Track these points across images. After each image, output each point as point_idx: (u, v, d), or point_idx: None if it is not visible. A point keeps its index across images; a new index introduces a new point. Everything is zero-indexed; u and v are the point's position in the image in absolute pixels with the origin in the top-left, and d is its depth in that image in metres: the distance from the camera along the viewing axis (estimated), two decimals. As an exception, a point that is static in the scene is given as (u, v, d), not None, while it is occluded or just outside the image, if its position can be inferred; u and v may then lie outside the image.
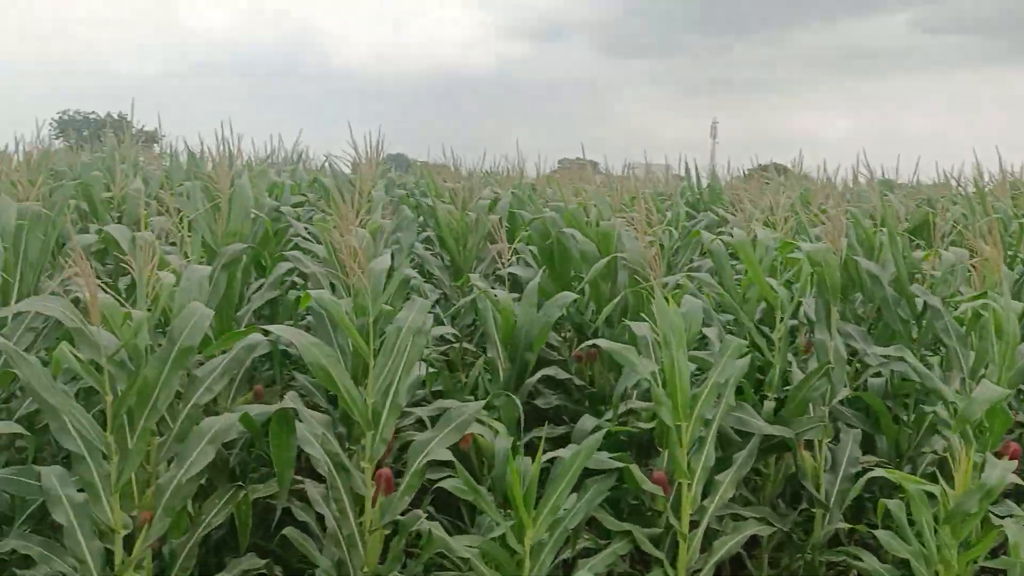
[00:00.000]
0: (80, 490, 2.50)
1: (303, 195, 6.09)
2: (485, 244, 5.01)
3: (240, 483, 3.09)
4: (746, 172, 9.52)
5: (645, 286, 3.49)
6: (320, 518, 3.14)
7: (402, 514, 2.75)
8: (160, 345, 2.55)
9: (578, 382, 3.88)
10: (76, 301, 3.01)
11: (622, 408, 3.27)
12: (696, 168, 8.02)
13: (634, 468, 2.89)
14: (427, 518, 2.83)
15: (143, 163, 6.77)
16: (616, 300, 3.62)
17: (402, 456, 3.44)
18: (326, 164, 6.71)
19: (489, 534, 2.86)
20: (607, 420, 3.30)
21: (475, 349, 4.54)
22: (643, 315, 3.13)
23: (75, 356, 2.37)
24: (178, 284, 2.70)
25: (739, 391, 3.32)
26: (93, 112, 34.31)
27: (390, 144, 5.48)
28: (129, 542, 2.53)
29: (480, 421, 3.03)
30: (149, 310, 2.57)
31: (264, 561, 2.96)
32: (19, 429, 2.84)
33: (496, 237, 4.40)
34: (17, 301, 3.32)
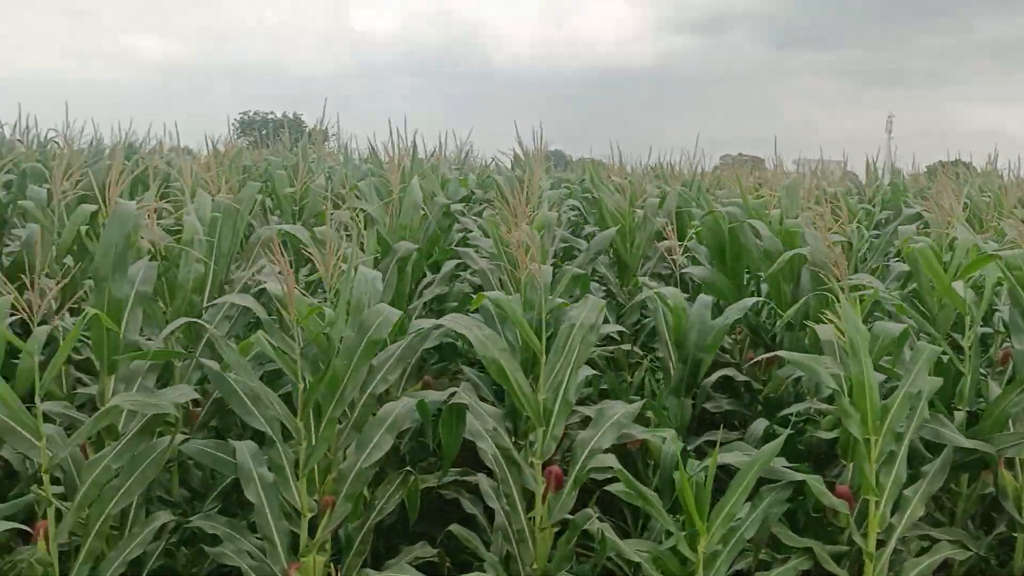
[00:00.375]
0: (270, 470, 2.62)
1: (471, 191, 6.19)
2: (653, 241, 4.93)
3: (409, 469, 3.16)
4: (926, 168, 8.94)
5: (827, 288, 3.32)
6: (488, 511, 3.17)
7: (571, 513, 2.73)
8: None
9: (755, 385, 3.74)
10: (261, 292, 3.18)
11: (800, 415, 3.11)
12: (874, 164, 7.60)
13: (815, 480, 2.74)
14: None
15: (323, 160, 7.07)
16: (799, 304, 3.45)
17: (565, 455, 3.43)
18: (492, 162, 6.82)
19: (658, 539, 2.79)
20: (782, 426, 3.16)
21: (640, 350, 4.47)
22: (826, 320, 2.96)
23: (271, 344, 2.48)
24: (356, 278, 2.77)
25: (929, 403, 3.10)
26: (271, 112, 36.27)
27: (549, 141, 5.49)
28: (311, 525, 2.62)
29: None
30: (330, 302, 2.66)
31: (435, 551, 3.01)
32: (195, 395, 2.99)
33: (666, 234, 4.30)
34: (211, 289, 3.53)
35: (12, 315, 2.67)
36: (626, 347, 4.39)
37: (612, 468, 2.99)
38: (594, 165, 7.22)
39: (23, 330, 3.78)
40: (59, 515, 2.58)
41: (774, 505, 2.70)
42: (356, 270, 2.70)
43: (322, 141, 8.30)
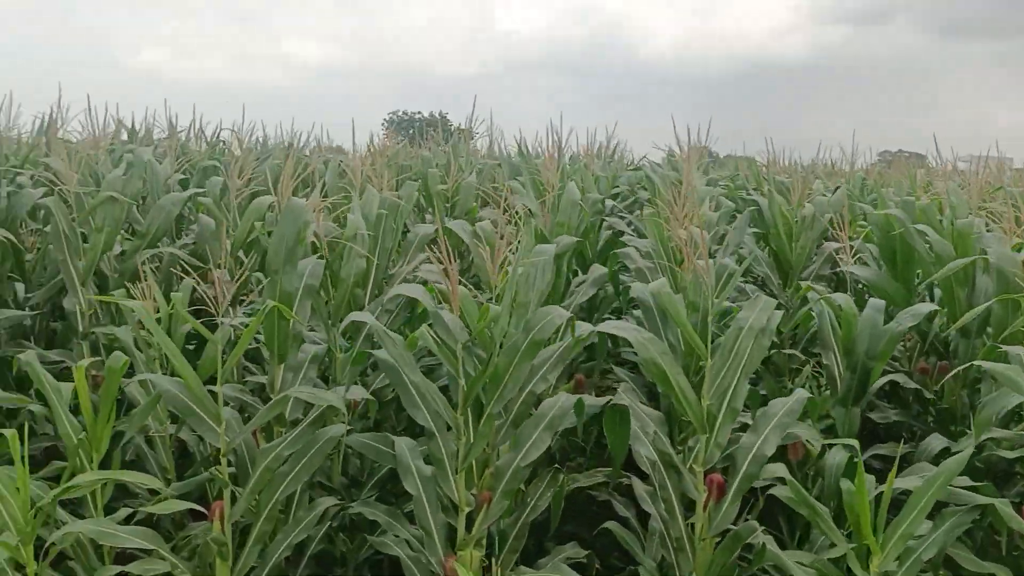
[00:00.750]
0: (428, 464, 2.67)
1: (621, 189, 6.13)
2: (818, 242, 4.73)
3: (558, 467, 3.15)
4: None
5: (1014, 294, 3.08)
6: (641, 516, 3.12)
7: (733, 522, 2.64)
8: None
9: (926, 395, 3.52)
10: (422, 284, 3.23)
11: (985, 435, 2.90)
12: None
13: (1003, 503, 2.54)
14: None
15: (472, 158, 7.17)
16: (978, 310, 3.22)
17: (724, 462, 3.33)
18: (644, 159, 6.73)
19: (823, 553, 2.67)
20: (965, 443, 2.95)
21: (800, 354, 4.29)
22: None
23: (435, 338, 2.53)
24: (520, 274, 2.77)
25: None
26: (418, 112, 37.22)
27: (700, 138, 5.35)
28: (468, 520, 2.65)
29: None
30: (491, 300, 2.68)
31: (586, 552, 2.99)
32: (367, 395, 3.09)
33: (833, 235, 4.11)
34: (373, 283, 3.64)
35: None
36: (787, 351, 4.22)
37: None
38: (749, 163, 7.03)
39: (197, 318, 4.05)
40: (233, 497, 2.72)
41: (956, 528, 2.52)
42: (520, 266, 2.70)
43: (467, 140, 8.45)
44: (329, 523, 3.13)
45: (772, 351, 4.29)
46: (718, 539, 2.70)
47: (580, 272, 4.33)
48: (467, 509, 2.60)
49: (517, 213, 3.94)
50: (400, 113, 37.81)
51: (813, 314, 3.63)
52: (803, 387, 4.03)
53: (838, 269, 4.64)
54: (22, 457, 2.52)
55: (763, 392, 3.86)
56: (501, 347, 2.59)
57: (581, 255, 4.40)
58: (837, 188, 5.44)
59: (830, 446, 2.94)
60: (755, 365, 2.61)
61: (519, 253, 2.86)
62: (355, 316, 2.80)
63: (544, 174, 4.28)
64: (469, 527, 2.63)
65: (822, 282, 4.73)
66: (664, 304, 2.62)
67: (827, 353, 3.36)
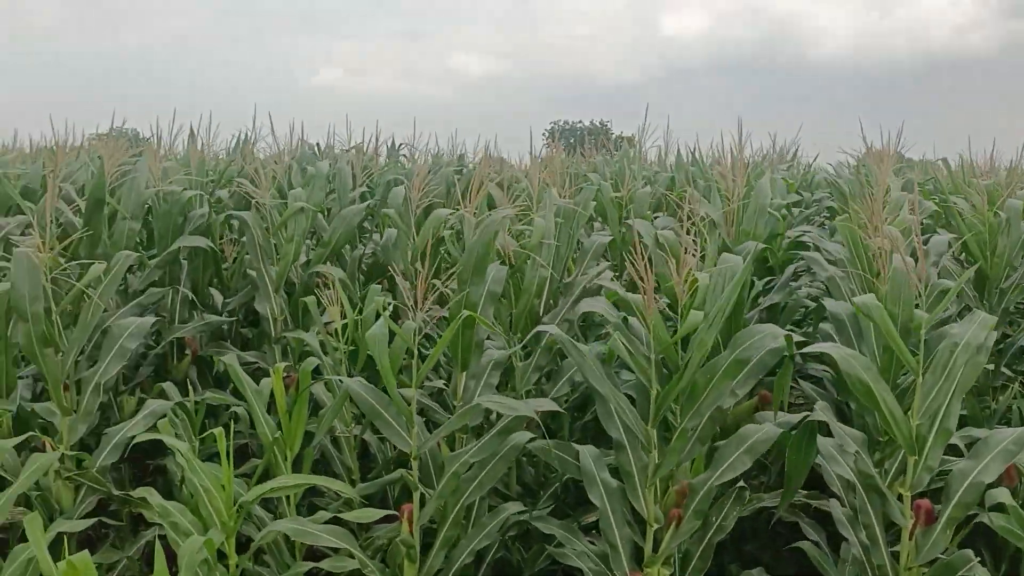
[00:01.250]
0: (614, 475, 2.62)
1: (803, 195, 5.90)
2: (1019, 250, 4.37)
3: (743, 486, 3.03)
4: None
5: None
6: (831, 539, 2.96)
7: (944, 552, 2.46)
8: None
9: None
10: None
11: None
12: None
13: None
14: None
15: (642, 166, 7.10)
16: None
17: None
18: (814, 162, 6.45)
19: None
20: None
21: (1009, 371, 3.97)
22: None
23: (627, 350, 2.49)
24: (711, 286, 2.70)
25: None
26: (579, 121, 37.32)
27: (886, 140, 5.03)
28: (655, 537, 2.59)
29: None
30: (674, 310, 2.61)
31: (774, 576, 2.87)
32: (555, 407, 3.08)
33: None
34: (549, 292, 3.64)
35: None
36: (989, 367, 3.92)
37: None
38: (939, 167, 6.59)
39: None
40: (421, 500, 2.77)
41: None
42: (710, 277, 2.62)
43: (633, 147, 8.36)
44: (507, 531, 3.15)
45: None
46: (925, 569, 2.52)
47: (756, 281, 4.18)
48: (656, 526, 2.54)
49: (694, 223, 3.85)
50: (561, 123, 38.11)
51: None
52: (1009, 406, 3.74)
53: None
54: (228, 456, 2.66)
55: (963, 411, 3.60)
56: (690, 360, 2.52)
57: (764, 263, 4.24)
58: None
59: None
60: (970, 384, 2.42)
61: (706, 262, 2.77)
62: (542, 328, 2.81)
63: (724, 181, 4.15)
64: (656, 545, 2.57)
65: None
66: (873, 316, 2.44)
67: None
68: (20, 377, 3.60)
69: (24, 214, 4.25)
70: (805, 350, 2.65)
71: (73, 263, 3.60)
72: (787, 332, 2.49)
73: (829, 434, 2.69)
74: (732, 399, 2.68)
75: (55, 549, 2.68)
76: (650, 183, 5.77)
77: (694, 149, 6.76)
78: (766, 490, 3.49)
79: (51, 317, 3.07)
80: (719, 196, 4.15)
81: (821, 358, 3.65)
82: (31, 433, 3.01)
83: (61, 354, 3.10)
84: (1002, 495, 2.43)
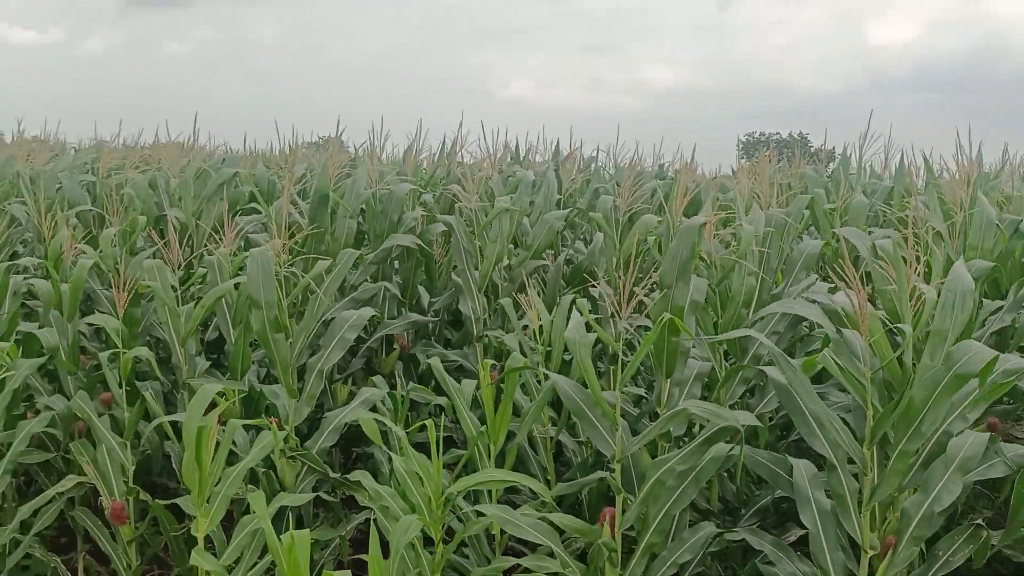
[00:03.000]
0: (828, 497, 2.51)
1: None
2: None
3: (980, 523, 2.81)
4: None
5: None
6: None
7: None
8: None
9: None
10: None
11: None
12: None
13: None
14: None
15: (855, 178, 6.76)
16: None
17: None
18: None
19: None
20: None
21: None
22: None
23: (838, 365, 2.39)
24: (938, 303, 2.53)
25: None
26: (776, 133, 36.06)
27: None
28: (870, 565, 2.46)
29: None
30: (914, 325, 2.46)
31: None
32: (756, 422, 3.00)
33: None
34: (757, 303, 3.54)
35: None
36: None
37: None
38: None
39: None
40: (624, 505, 2.77)
41: None
42: (936, 288, 2.47)
43: (826, 162, 7.99)
44: (708, 546, 3.08)
45: None
46: None
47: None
48: (871, 552, 2.41)
49: (917, 235, 3.63)
50: (757, 135, 37.00)
51: None
52: None
53: None
54: (437, 447, 2.77)
55: None
56: (913, 379, 2.37)
57: (995, 282, 3.94)
58: None
59: None
60: None
61: (932, 277, 2.61)
62: (741, 332, 2.73)
63: (951, 193, 3.90)
64: (871, 573, 2.44)
65: None
66: None
67: None
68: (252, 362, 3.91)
69: (259, 212, 4.62)
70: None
71: (299, 258, 3.88)
72: (996, 353, 2.29)
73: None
74: (962, 423, 2.49)
75: (276, 524, 2.89)
76: (866, 194, 5.49)
77: (914, 161, 6.38)
78: (993, 527, 3.24)
79: (283, 307, 3.31)
80: (941, 209, 3.90)
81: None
82: (263, 418, 3.26)
83: (290, 341, 3.34)
84: None
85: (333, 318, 3.56)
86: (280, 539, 2.31)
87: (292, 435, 3.28)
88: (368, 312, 3.64)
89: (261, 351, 3.93)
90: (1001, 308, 3.64)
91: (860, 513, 2.41)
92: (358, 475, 3.09)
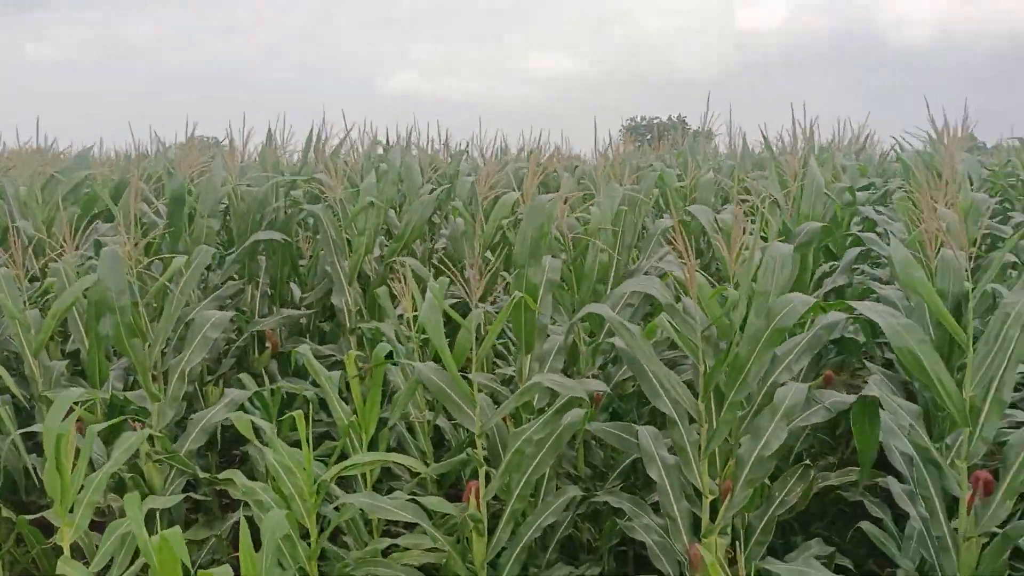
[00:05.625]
0: (671, 452, 2.70)
1: (873, 180, 5.83)
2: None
3: (808, 464, 3.05)
4: None
5: None
6: (897, 518, 2.97)
7: (1003, 523, 2.45)
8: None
9: None
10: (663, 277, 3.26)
11: None
12: None
13: None
14: None
15: (708, 157, 7.09)
16: None
17: (990, 461, 3.09)
18: (895, 145, 6.35)
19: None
20: None
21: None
22: None
23: (673, 326, 2.56)
24: (761, 263, 2.74)
25: None
26: (656, 117, 36.99)
27: (962, 123, 4.92)
28: (712, 508, 2.66)
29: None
30: (735, 287, 2.66)
31: (831, 549, 2.89)
32: (604, 388, 3.14)
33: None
34: (615, 277, 3.72)
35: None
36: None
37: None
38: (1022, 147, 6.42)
39: (446, 318, 4.33)
40: (487, 477, 2.89)
41: None
42: (761, 253, 2.67)
43: (707, 140, 8.34)
44: (575, 511, 3.24)
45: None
46: (986, 540, 2.52)
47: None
48: (711, 497, 2.61)
49: (757, 207, 3.88)
50: (638, 119, 37.80)
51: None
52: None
53: None
54: (307, 438, 2.82)
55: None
56: (742, 336, 2.57)
57: (829, 249, 4.24)
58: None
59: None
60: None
61: (764, 244, 2.81)
62: (592, 308, 2.88)
63: (787, 165, 4.17)
64: (713, 516, 2.63)
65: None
66: (912, 283, 2.46)
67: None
68: (112, 370, 3.85)
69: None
70: (855, 304, 2.65)
71: (157, 260, 3.83)
72: (815, 300, 2.52)
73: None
74: (788, 374, 2.71)
75: (150, 528, 2.88)
76: (715, 171, 5.78)
77: (762, 138, 6.75)
78: (834, 469, 3.51)
79: (138, 310, 3.27)
80: (778, 180, 4.17)
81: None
82: (124, 417, 3.23)
83: (148, 344, 3.31)
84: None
85: (194, 318, 3.55)
86: (151, 540, 2.32)
87: (156, 435, 3.25)
88: (229, 313, 3.63)
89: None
90: (835, 270, 3.94)
91: (700, 462, 2.60)
92: (228, 473, 3.10)
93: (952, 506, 2.57)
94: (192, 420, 3.44)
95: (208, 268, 4.70)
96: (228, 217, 4.79)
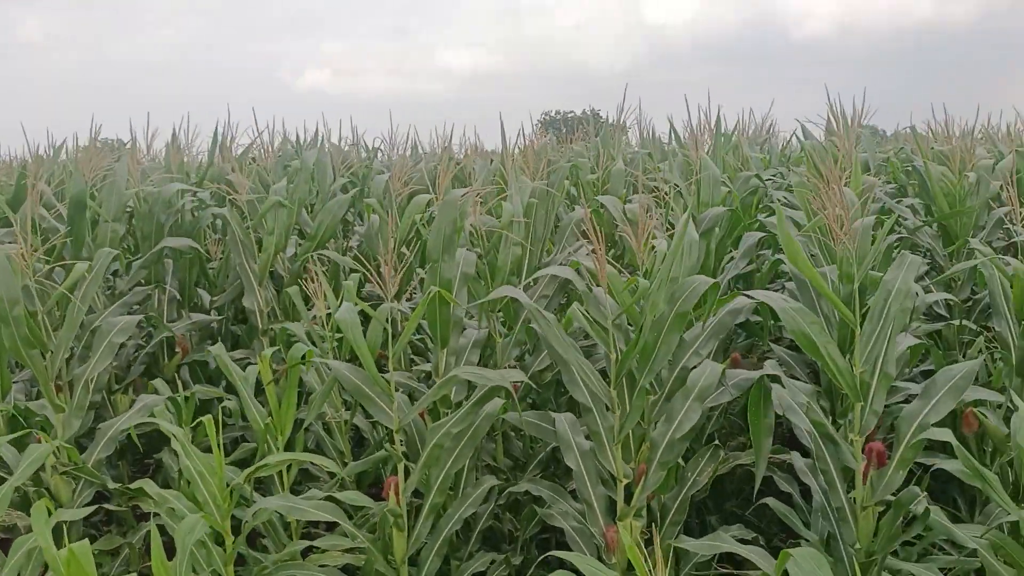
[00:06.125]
0: (587, 438, 2.75)
1: (776, 169, 6.01)
2: (985, 209, 4.50)
3: (718, 444, 3.15)
4: None
5: None
6: (805, 491, 3.08)
7: (896, 492, 2.58)
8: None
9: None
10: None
11: None
12: None
13: None
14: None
15: (622, 149, 7.20)
16: None
17: (889, 435, 3.24)
18: (796, 131, 6.56)
19: (998, 524, 2.56)
20: None
21: (974, 326, 4.09)
22: None
23: (585, 316, 2.61)
24: (668, 250, 2.81)
25: None
26: (571, 111, 37.25)
27: (860, 113, 5.13)
28: (627, 492, 2.72)
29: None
30: (645, 275, 2.73)
31: (753, 535, 2.99)
32: (524, 377, 3.17)
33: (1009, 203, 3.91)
34: (528, 269, 3.76)
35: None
36: (956, 322, 4.04)
37: (942, 449, 2.78)
38: (914, 134, 6.70)
39: (363, 316, 4.31)
40: (406, 472, 2.89)
41: None
42: (668, 242, 2.74)
43: (620, 133, 8.46)
44: (496, 502, 3.27)
45: (942, 324, 4.12)
46: (882, 509, 2.65)
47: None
48: (625, 481, 2.67)
49: (665, 196, 3.97)
50: (553, 113, 38.01)
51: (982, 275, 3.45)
52: (975, 358, 3.85)
53: (1014, 240, 4.39)
54: (218, 443, 2.77)
55: (931, 367, 3.72)
56: (643, 322, 2.64)
57: (735, 235, 4.36)
58: (1015, 152, 5.13)
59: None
60: (902, 327, 2.53)
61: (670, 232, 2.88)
62: (505, 291, 2.90)
63: (691, 155, 4.28)
64: (628, 499, 2.70)
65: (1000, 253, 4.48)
66: (799, 267, 2.57)
67: (998, 320, 3.20)
68: (15, 381, 3.72)
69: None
70: (751, 292, 2.76)
71: (58, 266, 3.71)
72: (714, 281, 2.61)
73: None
74: (696, 358, 2.79)
75: (56, 541, 2.79)
76: (627, 163, 5.87)
77: (670, 130, 6.88)
78: (744, 449, 3.62)
79: (37, 319, 3.17)
80: (687, 170, 4.28)
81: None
82: (27, 430, 3.12)
83: (50, 353, 3.21)
84: (944, 433, 2.55)
85: (100, 325, 3.45)
86: (58, 554, 2.26)
87: (63, 446, 3.16)
88: (136, 318, 3.55)
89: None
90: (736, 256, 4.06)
91: (614, 447, 2.65)
92: (140, 483, 3.03)
93: (851, 478, 2.69)
94: (100, 429, 3.35)
95: (115, 274, 4.58)
96: (132, 221, 4.67)
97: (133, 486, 3.09)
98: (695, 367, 2.77)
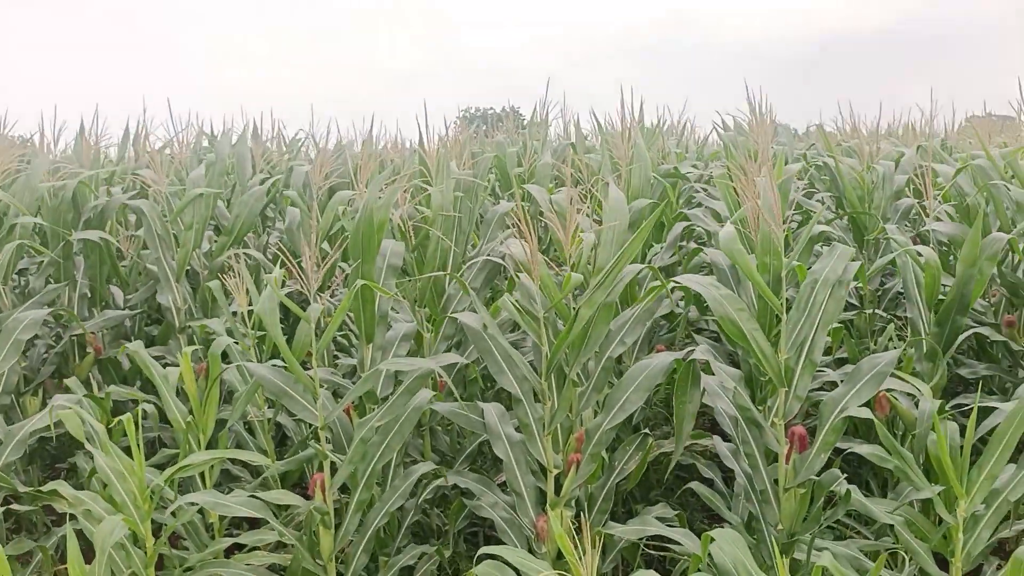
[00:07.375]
0: (517, 430, 2.75)
1: (694, 164, 6.14)
2: (892, 202, 4.67)
3: (646, 432, 3.19)
4: None
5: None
6: (727, 477, 3.16)
7: (818, 474, 2.66)
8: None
9: (1014, 347, 3.47)
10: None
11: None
12: None
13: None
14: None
15: (547, 143, 7.23)
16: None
17: (811, 419, 3.34)
18: (715, 125, 6.72)
19: (911, 502, 2.67)
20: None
21: (885, 314, 4.25)
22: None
23: (517, 308, 2.61)
24: (594, 240, 2.84)
25: None
26: (490, 108, 37.19)
27: (774, 112, 5.29)
28: (557, 482, 2.74)
29: (899, 378, 2.81)
30: (572, 266, 2.74)
31: (675, 512, 3.04)
32: (460, 359, 3.13)
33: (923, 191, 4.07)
34: (454, 262, 3.74)
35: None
36: (868, 311, 4.19)
37: (858, 435, 2.87)
38: (821, 132, 6.93)
39: (284, 312, 4.22)
40: (332, 469, 2.85)
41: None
42: (594, 232, 2.76)
43: (544, 128, 8.51)
44: (424, 496, 3.25)
45: (854, 312, 4.26)
46: (804, 491, 2.72)
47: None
48: (555, 471, 2.68)
49: (592, 189, 4.00)
50: (472, 109, 37.92)
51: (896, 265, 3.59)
52: (886, 347, 4.00)
53: (920, 229, 4.57)
54: (137, 442, 2.68)
55: (843, 355, 3.85)
56: (576, 314, 2.65)
57: (660, 226, 4.43)
58: (918, 148, 5.35)
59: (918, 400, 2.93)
60: (834, 316, 2.61)
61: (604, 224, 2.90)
62: (430, 275, 2.87)
63: (616, 149, 4.33)
64: (558, 489, 2.71)
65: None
66: (733, 255, 2.62)
67: (911, 307, 3.33)
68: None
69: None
70: (678, 278, 2.80)
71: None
72: (642, 267, 2.64)
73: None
74: (622, 347, 2.83)
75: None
76: (553, 155, 5.91)
77: (594, 124, 6.95)
78: (670, 438, 3.69)
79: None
80: (612, 163, 4.32)
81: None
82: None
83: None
84: (865, 412, 2.63)
85: (5, 323, 3.30)
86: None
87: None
88: (43, 312, 3.41)
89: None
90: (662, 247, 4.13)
91: (544, 438, 2.67)
92: (53, 485, 2.91)
93: (773, 461, 2.76)
94: (9, 432, 3.20)
95: (20, 273, 4.39)
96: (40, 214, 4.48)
97: (45, 488, 2.98)
98: (644, 358, 2.80)
